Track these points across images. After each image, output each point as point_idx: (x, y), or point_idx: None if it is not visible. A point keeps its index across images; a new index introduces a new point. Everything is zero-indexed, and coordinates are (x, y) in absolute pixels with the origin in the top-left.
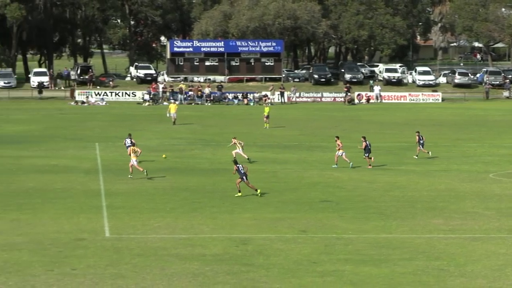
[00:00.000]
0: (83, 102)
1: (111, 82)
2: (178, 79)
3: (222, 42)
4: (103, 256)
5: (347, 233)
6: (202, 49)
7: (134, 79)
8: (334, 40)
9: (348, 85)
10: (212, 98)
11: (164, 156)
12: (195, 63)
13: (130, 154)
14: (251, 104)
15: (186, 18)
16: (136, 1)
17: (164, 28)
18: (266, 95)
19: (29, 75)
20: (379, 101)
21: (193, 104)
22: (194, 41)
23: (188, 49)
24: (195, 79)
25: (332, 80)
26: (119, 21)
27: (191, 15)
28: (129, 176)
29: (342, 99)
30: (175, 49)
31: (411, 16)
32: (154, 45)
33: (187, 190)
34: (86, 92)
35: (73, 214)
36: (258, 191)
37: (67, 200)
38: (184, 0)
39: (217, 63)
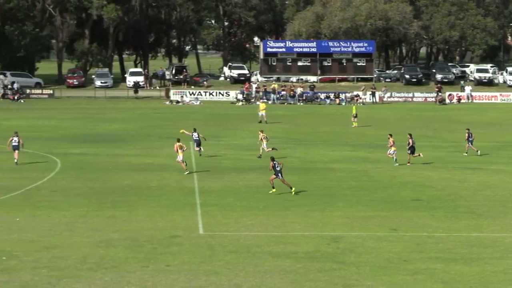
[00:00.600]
0: (177, 102)
1: (205, 82)
2: (271, 79)
3: (315, 43)
4: (197, 253)
5: (438, 231)
6: (295, 49)
7: (228, 79)
8: (426, 41)
9: (439, 85)
10: (304, 98)
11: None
12: (288, 63)
13: (177, 151)
14: (343, 104)
15: (279, 19)
16: (230, 2)
17: (257, 29)
18: (357, 95)
19: (125, 75)
20: (470, 101)
21: (285, 103)
22: (287, 42)
23: (281, 50)
24: (288, 79)
25: (423, 80)
26: (213, 22)
27: (284, 16)
28: (185, 173)
29: (433, 99)
30: (268, 49)
31: (502, 16)
32: (247, 45)
33: (279, 189)
34: (181, 91)
35: (168, 212)
36: (293, 189)
37: (162, 197)
38: (277, 1)
39: (309, 63)
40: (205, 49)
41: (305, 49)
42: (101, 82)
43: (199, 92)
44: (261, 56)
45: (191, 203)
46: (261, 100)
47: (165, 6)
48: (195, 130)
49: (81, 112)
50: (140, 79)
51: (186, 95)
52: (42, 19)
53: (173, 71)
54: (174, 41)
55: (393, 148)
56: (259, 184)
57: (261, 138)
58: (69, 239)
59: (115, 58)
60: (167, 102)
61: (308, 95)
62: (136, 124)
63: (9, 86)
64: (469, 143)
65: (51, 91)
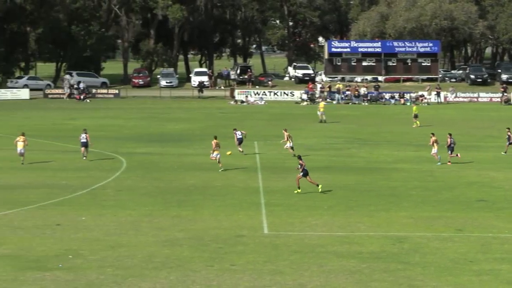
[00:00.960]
0: (242, 102)
1: (269, 82)
2: (336, 79)
3: (379, 43)
4: (261, 252)
5: (503, 232)
6: (360, 49)
7: (292, 79)
8: (491, 41)
9: (504, 85)
10: (369, 97)
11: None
12: (352, 63)
13: (214, 149)
14: (408, 104)
15: (344, 19)
16: (294, 2)
17: (322, 29)
18: (422, 95)
19: (190, 75)
20: None
21: (350, 103)
22: (352, 42)
23: (345, 50)
24: (352, 79)
25: (489, 80)
26: (278, 22)
27: (348, 16)
28: (220, 170)
29: (499, 99)
30: (333, 49)
31: None
32: (312, 45)
33: (344, 189)
34: (246, 91)
35: (233, 211)
36: (319, 186)
37: (227, 197)
38: (342, 1)
39: (374, 63)
40: (269, 49)
41: (369, 49)
42: (166, 82)
43: (264, 92)
44: (326, 56)
45: (256, 203)
46: (320, 100)
47: (230, 6)
48: (236, 130)
49: (146, 111)
50: (205, 79)
51: (250, 95)
52: (108, 19)
53: (238, 71)
54: (239, 41)
55: (435, 148)
56: (324, 184)
57: (286, 138)
58: (134, 238)
59: (180, 58)
60: (232, 102)
61: (373, 95)
62: (201, 123)
63: (75, 86)
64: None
65: (116, 91)
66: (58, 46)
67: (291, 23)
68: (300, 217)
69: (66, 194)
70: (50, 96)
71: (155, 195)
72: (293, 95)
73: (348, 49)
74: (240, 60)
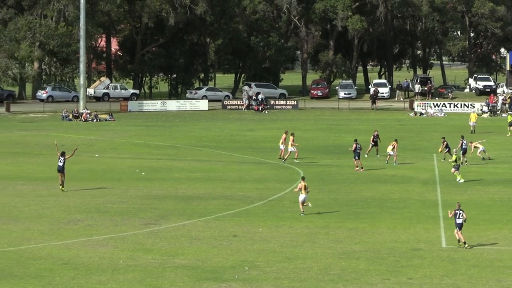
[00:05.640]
0: (421, 113)
1: (450, 94)
2: None
3: None
4: (439, 266)
5: None
6: None
7: (473, 91)
8: None
9: None
10: None
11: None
12: None
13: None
14: None
15: None
16: (476, 13)
17: (504, 40)
18: None
19: (369, 86)
20: None
21: None
22: None
23: None
24: None
25: None
26: (458, 33)
27: None
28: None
29: None
30: None
31: None
32: (493, 56)
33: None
34: (425, 103)
35: (410, 224)
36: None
37: (404, 210)
38: None
39: None
40: (450, 60)
41: None
42: (345, 93)
43: (444, 103)
44: (508, 67)
45: (433, 216)
46: (473, 111)
47: (410, 17)
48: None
49: (324, 123)
50: (384, 90)
51: (430, 107)
52: (287, 30)
53: (418, 83)
54: (419, 52)
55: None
56: (504, 198)
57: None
58: (311, 250)
59: (359, 69)
60: (411, 114)
61: None
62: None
63: (254, 97)
64: None
65: (294, 102)
66: (237, 57)
67: (472, 34)
68: (478, 230)
69: (243, 205)
70: (228, 107)
71: (332, 207)
72: (473, 107)
73: None
74: (419, 72)
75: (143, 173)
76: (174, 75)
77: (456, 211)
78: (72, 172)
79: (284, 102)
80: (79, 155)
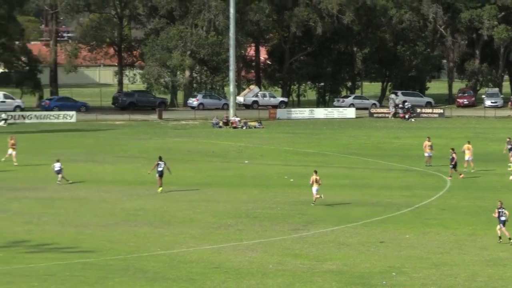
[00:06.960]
0: None
1: None
2: None
3: None
4: None
5: None
6: None
7: None
8: None
9: None
10: None
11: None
12: None
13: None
14: None
15: None
16: None
17: None
18: None
19: None
20: None
21: None
22: None
23: None
24: None
25: None
26: None
27: None
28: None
29: None
30: None
31: None
32: None
33: None
34: None
35: None
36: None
37: None
38: None
39: None
40: None
41: None
42: (491, 102)
43: None
44: None
45: None
46: None
47: None
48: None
49: (470, 131)
50: None
51: None
52: (433, 40)
53: None
54: None
55: None
56: None
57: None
58: (458, 257)
59: (505, 78)
60: None
61: None
62: None
63: (400, 105)
64: None
65: (441, 110)
66: (384, 65)
67: None
68: None
69: (390, 212)
70: (375, 115)
71: (478, 214)
72: None
73: None
74: None
75: (291, 180)
76: (322, 83)
77: (499, 210)
78: (222, 178)
79: (430, 110)
80: (229, 161)
